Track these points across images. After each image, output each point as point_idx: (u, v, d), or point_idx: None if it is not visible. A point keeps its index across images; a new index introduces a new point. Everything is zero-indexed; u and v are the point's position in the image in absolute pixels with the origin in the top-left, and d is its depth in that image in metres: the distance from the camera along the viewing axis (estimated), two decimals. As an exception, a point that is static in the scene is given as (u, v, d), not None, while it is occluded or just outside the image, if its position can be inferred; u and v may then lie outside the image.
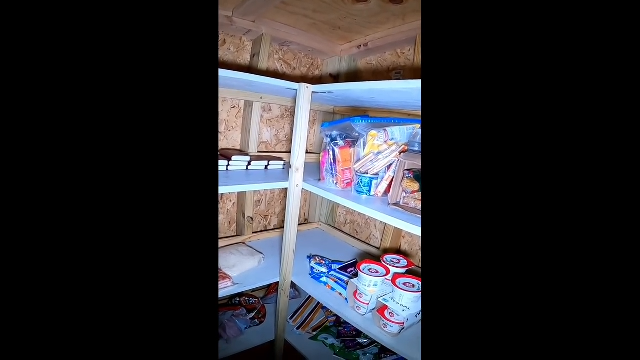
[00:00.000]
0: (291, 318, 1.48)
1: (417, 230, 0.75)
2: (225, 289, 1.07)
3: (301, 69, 1.53)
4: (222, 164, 1.12)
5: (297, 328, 1.44)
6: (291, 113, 1.53)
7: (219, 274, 1.11)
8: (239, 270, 1.17)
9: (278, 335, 1.33)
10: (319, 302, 1.57)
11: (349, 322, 1.02)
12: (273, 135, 1.51)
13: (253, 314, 1.40)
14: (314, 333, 1.42)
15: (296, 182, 1.08)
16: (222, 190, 0.96)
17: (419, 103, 0.97)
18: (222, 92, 1.23)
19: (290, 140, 1.55)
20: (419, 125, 1.04)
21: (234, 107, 1.36)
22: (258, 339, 1.35)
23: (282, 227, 1.60)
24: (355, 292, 1.02)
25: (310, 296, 1.61)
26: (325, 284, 1.16)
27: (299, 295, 1.61)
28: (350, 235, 1.60)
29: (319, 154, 1.52)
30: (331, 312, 1.52)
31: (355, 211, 1.59)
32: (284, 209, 1.64)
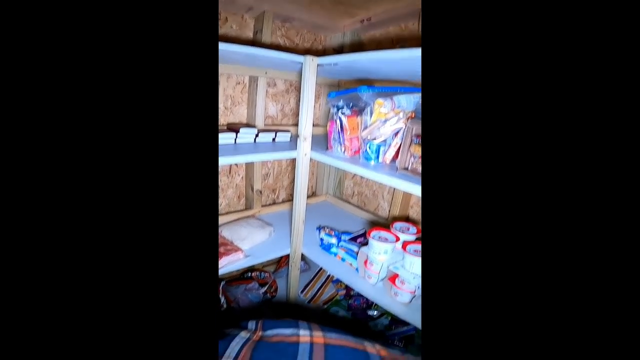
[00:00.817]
0: (302, 292, 1.49)
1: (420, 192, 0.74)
2: (237, 262, 1.08)
3: (304, 44, 1.51)
4: (230, 136, 1.12)
5: (308, 302, 1.45)
6: (296, 88, 1.52)
7: (231, 247, 1.12)
8: (250, 243, 1.17)
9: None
10: (329, 276, 1.59)
11: (359, 292, 1.03)
12: (279, 110, 1.50)
13: (265, 289, 1.42)
14: (325, 307, 1.43)
15: (304, 152, 1.07)
16: (231, 160, 0.96)
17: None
18: (227, 69, 1.22)
19: (295, 114, 1.55)
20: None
21: (239, 83, 1.35)
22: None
23: (291, 200, 1.62)
24: (366, 261, 1.02)
25: (320, 269, 1.62)
26: (336, 254, 1.17)
27: (309, 268, 1.62)
28: (358, 206, 1.60)
29: (325, 126, 1.52)
30: (341, 285, 1.54)
31: (362, 182, 1.61)
32: (292, 182, 1.66)
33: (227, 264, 1.06)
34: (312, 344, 0.60)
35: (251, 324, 0.69)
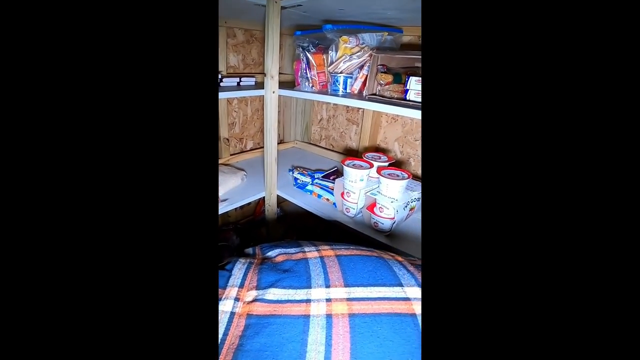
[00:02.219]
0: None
1: (394, 111, 0.80)
2: (212, 205, 1.08)
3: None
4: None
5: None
6: (256, 38, 1.48)
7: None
8: (223, 188, 1.16)
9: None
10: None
11: (340, 226, 1.05)
12: (240, 60, 1.46)
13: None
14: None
15: (272, 89, 1.06)
16: None
17: (388, 13, 0.99)
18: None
19: (257, 64, 1.52)
20: (387, 33, 1.09)
21: None
22: None
23: (258, 148, 1.63)
24: (343, 193, 1.04)
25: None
26: (311, 192, 1.19)
27: (286, 215, 1.64)
28: (327, 148, 1.63)
29: (289, 74, 1.51)
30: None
31: (329, 126, 1.62)
32: (259, 131, 1.65)
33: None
34: (322, 258, 0.52)
35: (248, 250, 0.60)
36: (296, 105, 1.64)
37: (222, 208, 1.09)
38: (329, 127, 1.63)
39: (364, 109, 1.39)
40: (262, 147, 1.65)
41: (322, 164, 1.47)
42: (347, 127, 1.55)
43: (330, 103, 1.57)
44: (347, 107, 1.51)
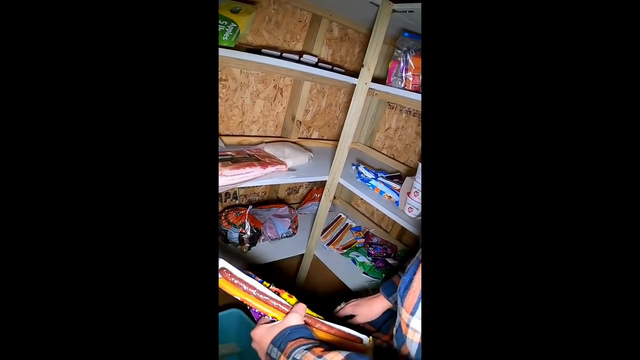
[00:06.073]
0: (321, 235, 1.52)
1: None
2: (281, 173, 1.12)
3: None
4: (294, 57, 1.15)
5: (327, 245, 1.49)
6: (349, 37, 1.55)
7: (275, 160, 1.14)
8: (292, 162, 1.20)
9: (310, 246, 1.38)
10: (347, 223, 1.63)
11: (400, 222, 1.07)
12: (329, 54, 1.53)
13: (290, 222, 1.45)
14: (344, 251, 1.47)
15: (365, 80, 1.11)
16: (295, 66, 1.04)
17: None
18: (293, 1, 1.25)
19: (343, 62, 1.58)
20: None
21: (300, 21, 1.36)
22: (290, 250, 1.41)
23: (322, 139, 1.68)
24: (410, 192, 1.06)
25: (339, 216, 1.67)
26: (374, 187, 1.21)
27: (334, 209, 1.66)
28: (388, 156, 1.65)
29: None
30: (360, 233, 1.58)
31: (395, 136, 1.66)
32: (326, 125, 1.70)
33: (274, 173, 1.09)
34: None
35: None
36: (368, 109, 1.69)
37: (289, 178, 1.13)
38: (394, 137, 1.67)
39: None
40: (326, 140, 1.70)
41: (384, 168, 1.49)
42: (414, 141, 1.57)
43: (402, 114, 1.61)
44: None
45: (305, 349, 0.50)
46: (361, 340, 0.62)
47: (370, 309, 0.84)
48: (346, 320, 0.84)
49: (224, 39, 0.90)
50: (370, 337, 0.64)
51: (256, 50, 1.03)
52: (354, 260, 1.42)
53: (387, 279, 0.97)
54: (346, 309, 0.86)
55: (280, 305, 0.59)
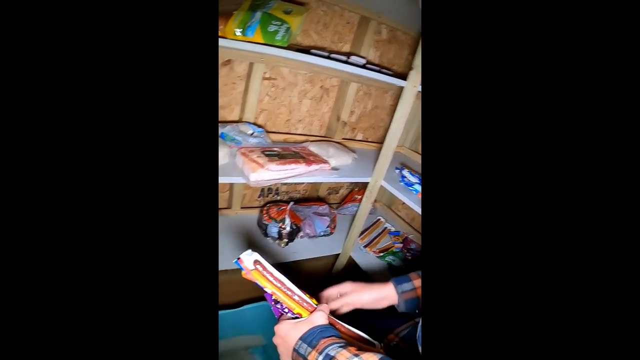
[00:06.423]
0: (358, 236, 1.52)
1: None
2: (325, 172, 1.13)
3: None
4: (342, 57, 1.16)
5: (364, 247, 1.49)
6: (398, 40, 1.54)
7: (319, 159, 1.16)
8: (335, 161, 1.22)
9: (346, 246, 1.39)
10: (386, 227, 1.61)
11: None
12: (377, 56, 1.53)
13: (329, 221, 1.46)
14: (381, 254, 1.46)
15: (414, 83, 1.09)
16: (341, 66, 1.05)
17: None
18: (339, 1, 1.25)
19: (391, 64, 1.57)
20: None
21: (348, 23, 1.37)
22: (326, 249, 1.41)
23: (365, 141, 1.68)
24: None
25: (378, 219, 1.66)
26: (417, 192, 1.19)
27: (374, 212, 1.66)
28: (434, 164, 1.62)
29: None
30: (399, 238, 1.56)
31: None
32: (370, 127, 1.71)
33: (317, 171, 1.11)
34: None
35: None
36: (416, 113, 1.66)
37: (332, 177, 1.14)
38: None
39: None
40: (370, 142, 1.69)
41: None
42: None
43: (450, 120, 1.57)
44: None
45: (340, 347, 0.51)
46: (374, 345, 0.64)
47: (370, 294, 0.75)
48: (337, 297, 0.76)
49: (277, 38, 0.93)
50: (382, 344, 0.65)
51: (305, 51, 1.05)
52: (389, 264, 1.41)
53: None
54: (346, 285, 0.76)
55: (304, 303, 0.62)
